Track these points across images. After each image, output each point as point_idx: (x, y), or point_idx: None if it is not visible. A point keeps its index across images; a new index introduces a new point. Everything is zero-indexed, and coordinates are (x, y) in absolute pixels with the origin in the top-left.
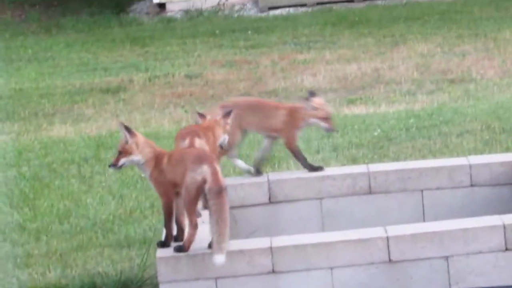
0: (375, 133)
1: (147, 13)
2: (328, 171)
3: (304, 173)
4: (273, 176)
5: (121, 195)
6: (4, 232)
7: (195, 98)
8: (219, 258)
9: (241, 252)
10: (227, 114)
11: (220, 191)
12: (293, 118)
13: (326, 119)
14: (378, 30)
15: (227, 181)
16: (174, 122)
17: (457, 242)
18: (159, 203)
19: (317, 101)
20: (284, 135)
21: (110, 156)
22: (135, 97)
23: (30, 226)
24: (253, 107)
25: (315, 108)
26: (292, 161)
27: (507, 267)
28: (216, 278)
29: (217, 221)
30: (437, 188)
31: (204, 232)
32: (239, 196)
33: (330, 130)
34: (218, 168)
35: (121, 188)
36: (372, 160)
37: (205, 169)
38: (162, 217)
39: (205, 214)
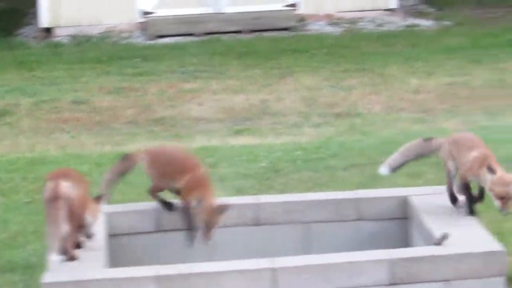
0: (262, 164)
1: (35, 37)
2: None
3: None
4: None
5: (4, 220)
6: None
7: (82, 124)
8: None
9: (127, 279)
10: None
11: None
12: None
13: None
14: (265, 62)
15: (114, 208)
16: (60, 147)
17: (343, 274)
18: (43, 229)
19: None
20: None
21: None
22: (21, 121)
23: None
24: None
25: None
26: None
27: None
28: None
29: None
30: (323, 221)
31: (92, 259)
32: (126, 224)
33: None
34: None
35: (4, 212)
36: (258, 191)
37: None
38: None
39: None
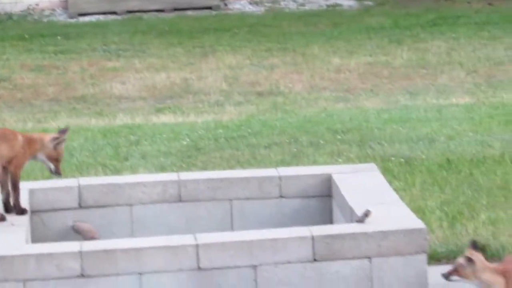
0: (184, 142)
1: None
2: (139, 177)
3: (115, 179)
4: (83, 181)
5: None
6: None
7: (3, 101)
8: None
9: (50, 255)
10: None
11: None
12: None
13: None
14: (188, 41)
15: (36, 184)
16: None
17: (266, 251)
18: None
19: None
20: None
21: None
22: None
23: None
24: None
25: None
26: (101, 167)
27: (315, 277)
28: (24, 281)
29: None
30: (247, 198)
31: (14, 235)
32: (49, 200)
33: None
34: None
35: None
36: (180, 169)
37: None
38: None
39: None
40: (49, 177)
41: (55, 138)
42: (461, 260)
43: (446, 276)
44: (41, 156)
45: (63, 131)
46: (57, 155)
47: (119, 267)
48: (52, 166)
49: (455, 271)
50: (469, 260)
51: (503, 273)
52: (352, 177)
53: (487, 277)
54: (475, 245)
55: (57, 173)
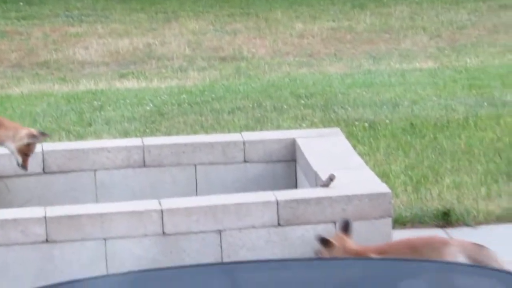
0: (147, 108)
1: None
2: (103, 143)
3: (79, 144)
4: (47, 146)
5: None
6: None
7: None
8: None
9: (14, 221)
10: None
11: None
12: None
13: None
14: (150, 6)
15: (1, 151)
16: None
17: (230, 216)
18: None
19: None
20: None
21: None
22: None
23: None
24: None
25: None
26: (65, 133)
27: (279, 242)
28: None
29: None
30: (211, 163)
31: None
32: (13, 165)
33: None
34: None
35: None
36: (144, 134)
37: None
38: None
39: None
40: None
41: (33, 136)
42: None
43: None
44: (11, 146)
45: (43, 134)
46: (28, 150)
47: (84, 233)
48: (20, 159)
49: (319, 253)
50: (325, 242)
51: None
52: (316, 142)
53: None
54: (346, 227)
55: (23, 167)
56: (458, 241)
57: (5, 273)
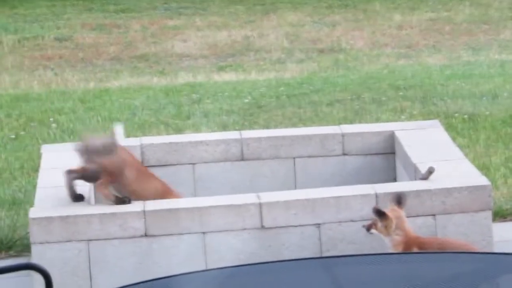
0: (246, 100)
1: None
2: (201, 136)
3: (177, 138)
4: (146, 140)
5: None
6: None
7: (65, 60)
8: None
9: (113, 215)
10: None
11: None
12: None
13: None
14: None
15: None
16: (44, 84)
17: (329, 210)
18: (29, 165)
19: None
20: None
21: None
22: (4, 59)
23: None
24: None
25: None
26: (163, 126)
27: (378, 235)
28: (88, 241)
29: None
30: (309, 156)
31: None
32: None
33: None
34: None
35: None
36: (242, 127)
37: None
38: (31, 179)
39: None
40: None
41: None
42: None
43: (367, 229)
44: None
45: None
46: None
47: (182, 227)
48: None
49: (373, 224)
50: (381, 214)
51: (415, 243)
52: (415, 134)
53: (394, 238)
54: (399, 200)
55: None
56: None
57: (104, 267)
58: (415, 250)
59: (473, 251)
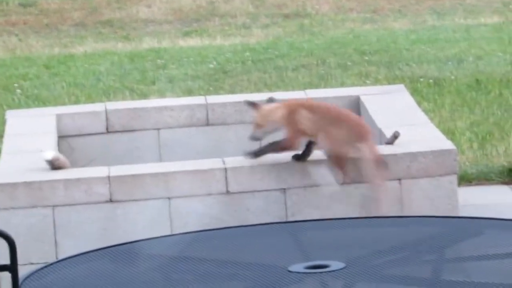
0: (211, 66)
1: None
2: (166, 101)
3: (142, 103)
4: (110, 105)
5: None
6: None
7: (29, 26)
8: None
9: (78, 180)
10: None
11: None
12: None
13: None
14: None
15: (63, 110)
16: (8, 50)
17: (294, 175)
18: None
19: None
20: None
21: None
22: None
23: None
24: None
25: None
26: (128, 92)
27: (343, 200)
28: (53, 206)
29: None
30: None
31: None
32: (76, 125)
33: None
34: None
35: None
36: (208, 92)
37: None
38: None
39: None
40: (76, 102)
41: None
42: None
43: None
44: None
45: None
46: None
47: (147, 192)
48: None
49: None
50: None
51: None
52: (380, 99)
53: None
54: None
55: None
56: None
57: (69, 233)
58: (303, 111)
59: (365, 128)
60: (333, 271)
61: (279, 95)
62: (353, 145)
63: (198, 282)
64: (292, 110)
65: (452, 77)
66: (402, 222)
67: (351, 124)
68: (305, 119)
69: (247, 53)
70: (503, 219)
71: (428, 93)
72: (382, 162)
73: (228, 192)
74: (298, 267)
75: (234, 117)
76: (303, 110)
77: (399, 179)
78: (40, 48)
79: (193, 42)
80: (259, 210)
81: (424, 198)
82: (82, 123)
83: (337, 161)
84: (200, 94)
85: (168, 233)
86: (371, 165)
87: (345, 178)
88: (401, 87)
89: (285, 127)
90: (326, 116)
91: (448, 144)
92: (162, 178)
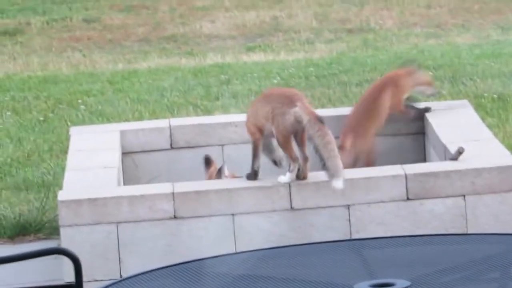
0: (275, 81)
1: None
2: (230, 117)
3: (205, 119)
4: (174, 122)
5: (19, 138)
6: None
7: (93, 42)
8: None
9: (142, 197)
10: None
11: (321, 121)
12: None
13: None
14: None
15: (127, 126)
16: (72, 66)
17: (359, 191)
18: (57, 147)
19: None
20: None
21: (7, 98)
22: (33, 40)
23: None
24: None
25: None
26: (192, 107)
27: (408, 216)
28: (117, 223)
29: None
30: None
31: (105, 178)
32: (140, 141)
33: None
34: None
35: (19, 131)
36: None
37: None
38: (60, 161)
39: None
40: (140, 118)
41: None
42: None
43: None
44: None
45: None
46: None
47: (211, 208)
48: None
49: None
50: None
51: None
52: (445, 114)
53: None
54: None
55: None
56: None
57: (133, 250)
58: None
59: (294, 94)
60: None
61: (342, 110)
62: (287, 112)
63: None
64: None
65: None
66: (467, 239)
67: (279, 95)
68: (253, 113)
69: (311, 68)
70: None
71: (492, 108)
72: (319, 119)
73: (292, 209)
74: (364, 285)
75: None
76: (255, 104)
77: (464, 195)
78: (104, 64)
79: (257, 57)
80: (324, 227)
81: (489, 214)
82: (146, 140)
83: (283, 142)
84: None
85: (232, 249)
86: (312, 123)
87: (295, 160)
88: (465, 102)
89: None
90: (261, 101)
91: None
92: (226, 194)
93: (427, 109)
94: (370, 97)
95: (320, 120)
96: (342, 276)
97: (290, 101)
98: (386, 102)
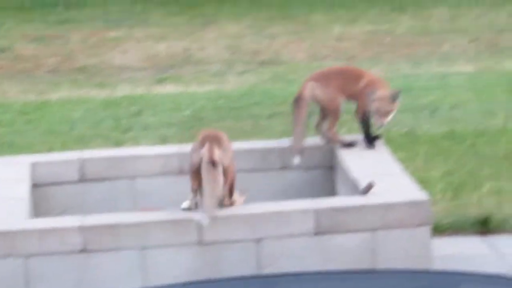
0: (186, 113)
1: None
2: (140, 150)
3: (116, 152)
4: (85, 154)
5: None
6: None
7: (4, 72)
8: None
9: (53, 230)
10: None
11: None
12: None
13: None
14: (188, 10)
15: (38, 158)
16: None
17: (269, 225)
18: None
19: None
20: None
21: None
22: None
23: None
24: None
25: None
26: (102, 140)
27: (318, 250)
28: (26, 256)
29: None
30: (249, 171)
31: (14, 211)
32: (50, 173)
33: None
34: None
35: None
36: (182, 140)
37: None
38: None
39: None
40: (50, 150)
41: None
42: None
43: None
44: None
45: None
46: None
47: (121, 242)
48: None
49: None
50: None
51: None
52: (355, 148)
53: None
54: None
55: None
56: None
57: (42, 283)
58: None
59: (208, 134)
60: None
61: (254, 144)
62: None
63: None
64: None
65: (427, 126)
66: (380, 275)
67: (202, 135)
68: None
69: (222, 100)
70: (478, 273)
71: (402, 142)
72: (213, 162)
73: (202, 243)
74: None
75: None
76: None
77: (373, 230)
78: (14, 94)
79: (168, 89)
80: (234, 260)
81: (398, 248)
82: (57, 172)
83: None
84: (175, 142)
85: (141, 284)
86: (206, 166)
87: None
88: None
89: None
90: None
91: (422, 195)
92: (137, 228)
93: (352, 143)
94: (351, 68)
95: (213, 163)
96: None
97: (202, 143)
98: (361, 84)
